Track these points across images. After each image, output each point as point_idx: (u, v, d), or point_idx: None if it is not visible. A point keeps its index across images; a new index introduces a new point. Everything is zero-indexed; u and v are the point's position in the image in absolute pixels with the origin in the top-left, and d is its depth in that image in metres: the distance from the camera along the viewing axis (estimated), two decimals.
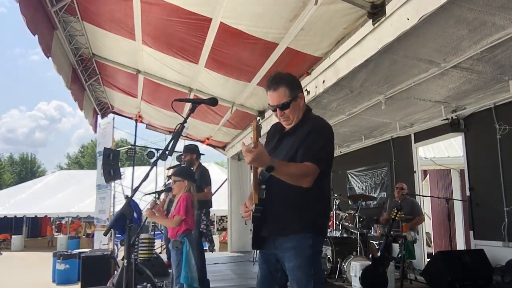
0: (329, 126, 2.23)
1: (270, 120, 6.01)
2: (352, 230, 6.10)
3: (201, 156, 5.42)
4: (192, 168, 5.02)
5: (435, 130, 6.24)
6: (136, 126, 9.55)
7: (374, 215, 6.66)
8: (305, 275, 2.05)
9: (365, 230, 5.95)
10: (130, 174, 9.48)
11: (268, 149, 2.11)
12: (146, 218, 4.58)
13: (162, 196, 5.34)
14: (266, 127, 6.29)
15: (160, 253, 8.64)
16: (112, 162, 7.54)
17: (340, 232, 6.42)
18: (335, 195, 7.43)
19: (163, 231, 8.71)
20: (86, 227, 21.90)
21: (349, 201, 7.72)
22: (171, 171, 6.48)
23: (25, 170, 46.74)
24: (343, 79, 3.94)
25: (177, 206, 3.93)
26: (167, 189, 4.60)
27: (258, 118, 2.09)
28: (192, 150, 5.32)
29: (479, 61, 3.95)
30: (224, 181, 11.14)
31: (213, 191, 5.44)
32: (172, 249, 3.91)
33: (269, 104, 2.26)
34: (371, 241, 6.01)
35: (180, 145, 11.01)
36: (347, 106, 5.65)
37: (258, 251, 2.33)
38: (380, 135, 7.33)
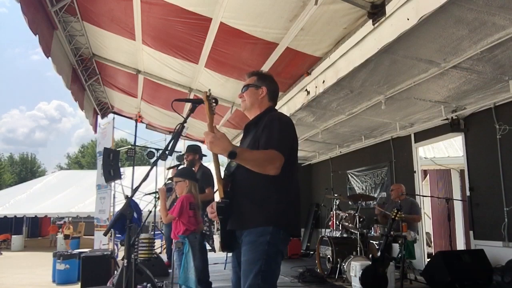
0: (287, 117, 2.24)
1: None
2: (352, 230, 6.10)
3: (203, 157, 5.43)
4: (193, 169, 5.03)
5: (435, 130, 6.24)
6: (136, 126, 9.56)
7: (374, 215, 6.66)
8: (252, 269, 1.93)
9: (365, 230, 5.95)
10: (130, 174, 9.48)
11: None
12: (146, 218, 4.60)
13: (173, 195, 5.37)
14: None
15: (160, 253, 8.64)
16: (112, 162, 7.54)
17: (340, 232, 6.42)
18: (335, 195, 7.44)
19: (163, 231, 8.71)
20: (61, 227, 20.63)
21: (349, 201, 7.72)
22: (171, 171, 6.49)
23: (25, 170, 46.73)
24: (343, 79, 3.94)
25: (174, 206, 3.98)
26: (167, 189, 4.60)
27: (209, 89, 2.06)
28: (194, 151, 5.32)
29: (479, 61, 3.95)
30: None
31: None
32: (175, 249, 3.94)
33: None
34: (371, 241, 6.01)
35: (180, 145, 11.05)
36: (347, 106, 5.65)
37: (229, 253, 2.23)
38: (380, 135, 7.33)
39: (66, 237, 18.36)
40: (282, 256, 2.06)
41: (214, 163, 2.09)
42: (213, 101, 2.03)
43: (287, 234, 2.07)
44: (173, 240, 4.09)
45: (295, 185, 2.16)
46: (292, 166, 2.13)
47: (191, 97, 6.26)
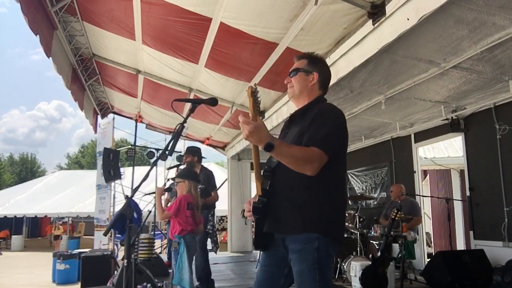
0: (340, 110, 2.01)
1: (271, 119, 6.01)
2: (352, 230, 6.10)
3: (202, 159, 5.42)
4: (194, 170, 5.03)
5: (435, 130, 6.24)
6: (136, 126, 9.56)
7: (374, 215, 6.67)
8: (309, 282, 1.83)
9: (365, 230, 5.95)
10: (130, 174, 9.48)
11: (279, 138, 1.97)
12: (146, 218, 4.60)
13: (165, 195, 5.37)
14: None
15: (160, 253, 8.64)
16: (112, 162, 7.54)
17: None
18: None
19: (164, 231, 8.71)
20: (55, 228, 19.92)
21: (349, 201, 7.72)
22: (172, 171, 6.48)
23: (25, 170, 46.73)
24: (343, 79, 3.94)
25: (172, 203, 4.00)
26: (167, 189, 4.61)
27: (255, 83, 1.97)
28: (193, 152, 5.33)
29: (479, 61, 3.95)
30: (224, 181, 11.14)
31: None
32: (172, 249, 3.94)
33: None
34: (371, 241, 6.01)
35: (180, 145, 11.05)
36: (347, 106, 5.65)
37: (261, 252, 2.06)
38: (380, 135, 7.33)
39: (56, 237, 18.16)
40: (331, 259, 1.96)
41: (254, 158, 1.90)
42: (259, 96, 1.87)
43: (333, 238, 1.91)
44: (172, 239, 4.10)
45: (341, 186, 1.97)
46: (339, 166, 1.95)
47: (191, 97, 6.25)
